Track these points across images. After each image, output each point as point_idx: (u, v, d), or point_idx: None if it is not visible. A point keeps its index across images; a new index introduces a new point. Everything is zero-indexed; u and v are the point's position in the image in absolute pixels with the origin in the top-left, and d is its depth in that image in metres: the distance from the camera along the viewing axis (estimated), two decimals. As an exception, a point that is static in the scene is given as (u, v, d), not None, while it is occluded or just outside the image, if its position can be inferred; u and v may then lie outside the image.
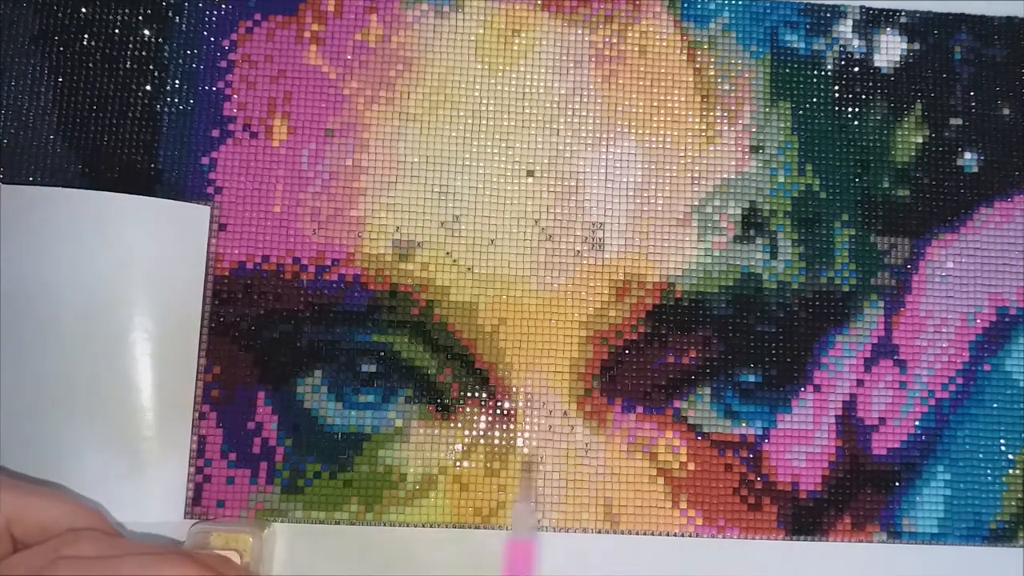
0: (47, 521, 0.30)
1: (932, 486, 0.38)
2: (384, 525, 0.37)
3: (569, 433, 0.38)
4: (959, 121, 0.41)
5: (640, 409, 0.38)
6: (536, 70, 0.40)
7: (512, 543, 0.33)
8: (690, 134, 0.40)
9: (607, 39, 0.41)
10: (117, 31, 0.39)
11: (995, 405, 0.39)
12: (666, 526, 0.38)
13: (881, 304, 0.40)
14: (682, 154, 0.40)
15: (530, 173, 0.40)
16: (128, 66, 0.39)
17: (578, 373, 0.38)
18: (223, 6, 0.40)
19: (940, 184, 0.41)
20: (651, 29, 0.41)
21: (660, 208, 0.40)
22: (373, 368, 0.38)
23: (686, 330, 0.39)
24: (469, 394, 0.38)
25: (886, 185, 0.41)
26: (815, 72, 0.41)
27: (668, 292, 0.39)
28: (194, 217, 0.38)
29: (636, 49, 0.41)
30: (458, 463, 0.37)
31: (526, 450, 0.38)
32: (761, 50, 0.41)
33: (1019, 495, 0.39)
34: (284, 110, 0.39)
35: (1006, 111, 0.41)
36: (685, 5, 0.41)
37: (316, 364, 0.38)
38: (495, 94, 0.40)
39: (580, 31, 0.41)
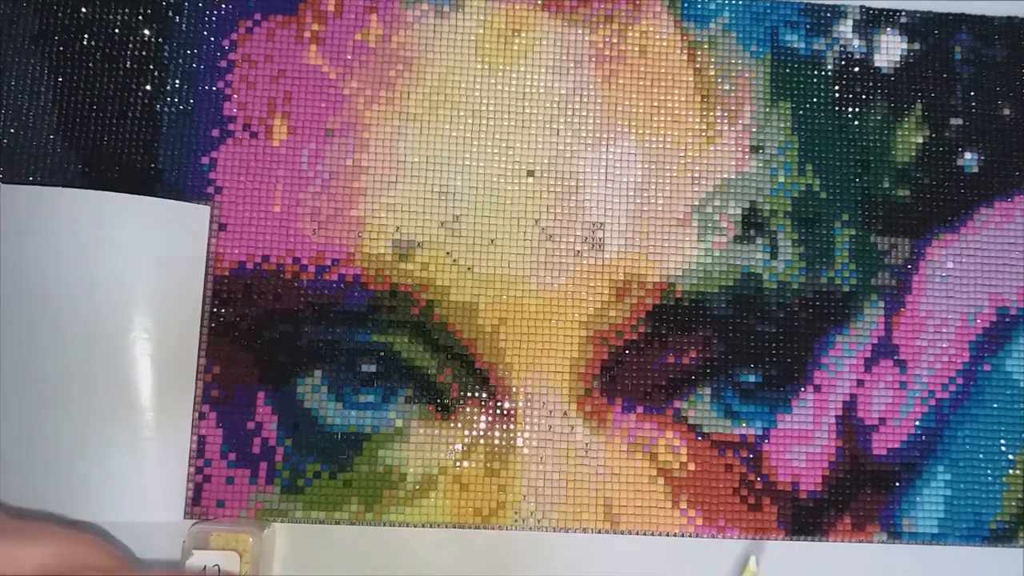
0: (46, 562, 0.29)
1: (932, 486, 0.38)
2: (384, 525, 0.37)
3: (569, 433, 0.38)
4: (959, 121, 0.41)
5: (640, 409, 0.38)
6: (536, 70, 0.40)
7: None
8: (690, 134, 0.40)
9: (607, 39, 0.41)
10: (117, 31, 0.39)
11: (995, 405, 0.39)
12: (666, 526, 0.38)
13: (881, 304, 0.40)
14: (682, 154, 0.40)
15: (530, 173, 0.40)
16: (128, 66, 0.39)
17: (578, 373, 0.38)
18: (223, 6, 0.40)
19: (940, 184, 0.41)
20: (651, 29, 0.41)
21: (660, 208, 0.40)
22: (373, 368, 0.38)
23: (686, 330, 0.39)
24: (469, 394, 0.38)
25: (886, 185, 0.41)
26: (815, 72, 0.41)
27: (668, 292, 0.39)
28: (194, 217, 0.38)
29: (636, 49, 0.41)
30: (458, 463, 0.37)
31: (526, 450, 0.38)
32: (761, 50, 0.41)
33: (1019, 495, 0.39)
34: (284, 110, 0.39)
35: (1006, 111, 0.41)
36: (685, 5, 0.41)
37: (316, 364, 0.38)
38: (495, 94, 0.40)
39: (580, 31, 0.41)
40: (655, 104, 0.40)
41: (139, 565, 0.35)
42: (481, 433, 0.38)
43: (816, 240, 0.40)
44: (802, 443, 0.38)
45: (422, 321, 0.38)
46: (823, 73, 0.41)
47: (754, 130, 0.40)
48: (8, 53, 0.39)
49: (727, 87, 0.41)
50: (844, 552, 0.38)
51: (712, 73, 0.41)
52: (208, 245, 0.38)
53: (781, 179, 0.40)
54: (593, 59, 0.41)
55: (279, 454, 0.37)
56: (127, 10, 0.39)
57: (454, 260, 0.39)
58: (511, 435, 0.38)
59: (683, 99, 0.41)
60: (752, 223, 0.40)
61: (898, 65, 0.42)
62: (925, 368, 0.39)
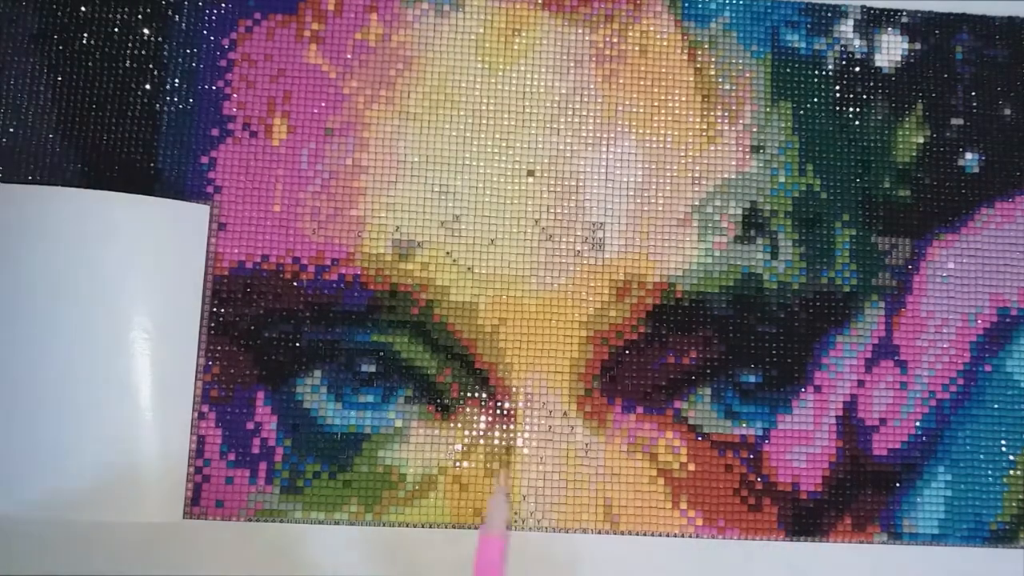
0: None
1: (933, 487, 0.38)
2: (384, 525, 0.37)
3: (569, 433, 0.38)
4: (960, 121, 0.41)
5: (640, 409, 0.38)
6: (537, 69, 0.40)
7: (484, 538, 0.32)
8: (691, 134, 0.40)
9: (608, 39, 0.41)
10: (116, 30, 0.39)
11: (996, 406, 0.39)
12: (666, 526, 0.37)
13: (882, 304, 0.40)
14: (683, 154, 0.40)
15: (530, 173, 0.40)
16: (128, 65, 0.39)
17: (578, 373, 0.38)
18: (223, 5, 0.40)
19: (941, 184, 0.41)
20: (652, 29, 0.41)
21: (660, 208, 0.40)
22: (373, 368, 0.38)
23: (686, 330, 0.39)
24: (469, 394, 0.38)
25: (887, 185, 0.40)
26: (816, 72, 0.41)
27: (668, 292, 0.39)
28: (193, 216, 0.38)
29: (637, 49, 0.41)
30: (458, 463, 0.37)
31: (526, 450, 0.38)
32: (762, 50, 0.41)
33: (1020, 496, 0.38)
34: (284, 109, 0.39)
35: (1007, 111, 0.41)
36: (686, 5, 0.41)
37: (316, 364, 0.38)
38: (495, 93, 0.40)
39: (581, 30, 0.41)
40: (655, 104, 0.40)
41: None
42: (481, 433, 0.38)
43: (817, 240, 0.40)
44: (802, 443, 0.38)
45: (422, 321, 0.38)
46: (824, 73, 0.41)
47: (755, 130, 0.40)
48: (8, 52, 0.39)
49: (728, 87, 0.41)
50: (844, 552, 0.38)
51: (713, 73, 0.41)
52: (208, 244, 0.38)
53: (782, 179, 0.40)
54: (593, 59, 0.40)
55: (278, 454, 0.37)
56: (127, 9, 0.39)
57: (454, 260, 0.39)
58: (511, 435, 0.38)
59: (683, 99, 0.41)
60: (753, 223, 0.40)
61: (899, 65, 0.41)
62: (926, 368, 0.39)
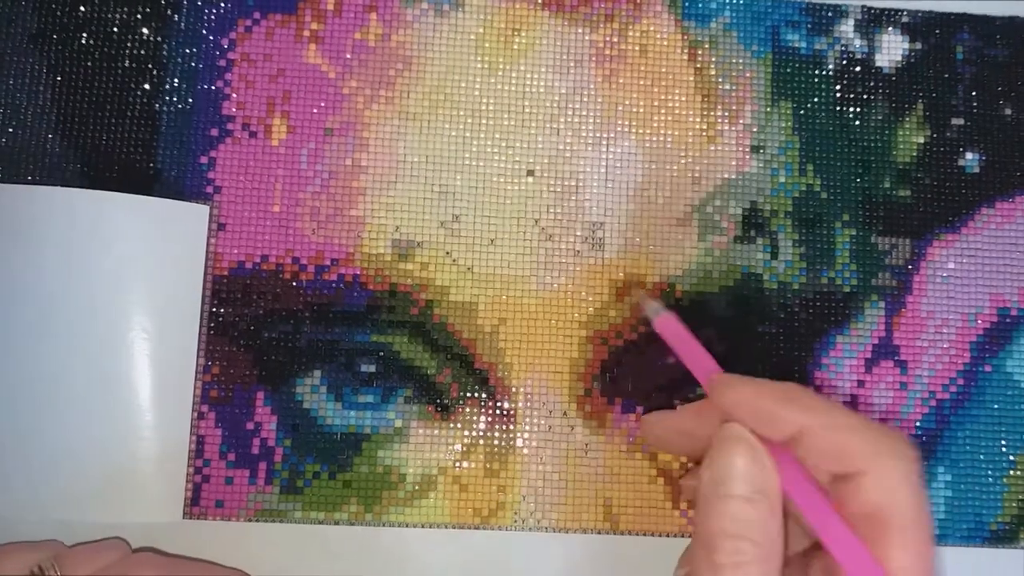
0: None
1: (932, 487, 0.38)
2: (383, 526, 0.37)
3: (569, 433, 0.38)
4: (961, 121, 0.41)
5: (640, 409, 0.38)
6: (536, 69, 0.40)
7: (659, 322, 0.34)
8: (691, 134, 0.40)
9: (608, 38, 0.41)
10: (115, 29, 0.39)
11: (996, 406, 0.39)
12: (666, 526, 0.37)
13: (882, 304, 0.40)
14: (683, 154, 0.40)
15: (530, 173, 0.39)
16: (127, 65, 0.39)
17: (578, 373, 0.38)
18: (222, 4, 0.40)
19: (941, 184, 0.41)
20: (652, 28, 0.41)
21: (660, 208, 0.40)
22: (372, 368, 0.38)
23: (686, 330, 0.39)
24: (469, 394, 0.38)
25: (887, 185, 0.40)
26: (816, 72, 0.41)
27: (668, 292, 0.39)
28: (193, 216, 0.38)
29: (637, 48, 0.41)
30: (458, 463, 0.37)
31: (526, 450, 0.37)
32: (762, 49, 0.41)
33: (1020, 496, 0.38)
34: (283, 109, 0.39)
35: (1008, 111, 0.41)
36: (686, 4, 0.41)
37: (315, 364, 0.37)
38: (495, 93, 0.40)
39: (581, 30, 0.41)
40: (655, 104, 0.40)
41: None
42: (481, 433, 0.38)
43: (817, 240, 0.40)
44: (802, 444, 0.38)
45: (421, 321, 0.38)
46: (824, 73, 0.41)
47: (755, 130, 0.40)
48: (6, 52, 0.39)
49: (728, 87, 0.41)
50: (844, 553, 0.38)
51: (713, 73, 0.41)
52: (207, 245, 0.38)
53: (782, 179, 0.40)
54: (593, 58, 0.40)
55: (278, 454, 0.37)
56: (126, 9, 0.39)
57: (454, 260, 0.39)
58: (511, 435, 0.38)
59: (684, 99, 0.40)
60: (753, 223, 0.40)
61: (899, 65, 0.41)
62: (926, 369, 0.39)
